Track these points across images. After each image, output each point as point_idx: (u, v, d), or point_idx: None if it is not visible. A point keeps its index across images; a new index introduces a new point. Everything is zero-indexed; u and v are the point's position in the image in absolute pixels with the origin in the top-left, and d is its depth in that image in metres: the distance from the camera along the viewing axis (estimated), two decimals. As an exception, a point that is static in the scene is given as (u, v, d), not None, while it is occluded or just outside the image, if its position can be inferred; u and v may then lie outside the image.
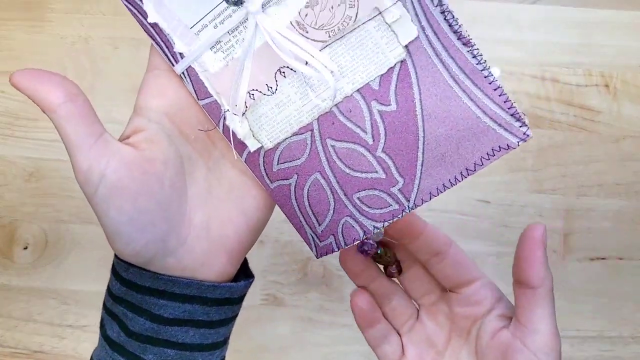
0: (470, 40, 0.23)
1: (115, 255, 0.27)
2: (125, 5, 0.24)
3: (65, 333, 0.51)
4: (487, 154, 0.24)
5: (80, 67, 0.52)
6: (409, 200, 0.25)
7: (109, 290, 0.28)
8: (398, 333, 0.31)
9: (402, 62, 0.23)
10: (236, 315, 0.29)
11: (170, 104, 0.25)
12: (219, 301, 0.27)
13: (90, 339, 0.51)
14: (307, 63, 0.23)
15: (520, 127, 0.23)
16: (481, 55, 0.23)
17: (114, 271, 0.27)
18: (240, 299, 0.28)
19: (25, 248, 0.52)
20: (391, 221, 0.25)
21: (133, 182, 0.24)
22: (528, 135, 0.23)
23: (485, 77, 0.23)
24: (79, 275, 0.51)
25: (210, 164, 0.27)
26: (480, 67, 0.23)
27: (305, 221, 0.27)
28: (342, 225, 0.26)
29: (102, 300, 0.56)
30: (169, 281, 0.26)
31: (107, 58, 0.52)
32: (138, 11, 0.24)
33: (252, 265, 0.54)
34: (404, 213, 0.25)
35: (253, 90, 0.25)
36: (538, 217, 0.50)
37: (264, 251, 0.50)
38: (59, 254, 0.51)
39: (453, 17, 0.23)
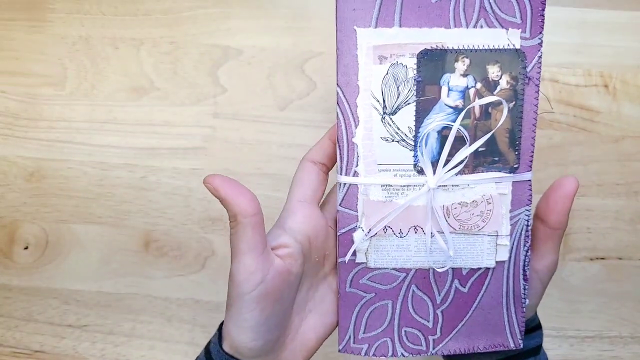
0: (527, 278, 0.34)
1: (219, 345, 0.31)
2: (338, 115, 0.32)
3: (65, 333, 0.51)
4: (491, 345, 0.34)
5: (80, 67, 0.52)
6: (434, 348, 0.34)
7: None
8: None
9: (488, 269, 0.33)
10: None
11: (312, 230, 0.32)
12: None
13: (91, 339, 0.51)
14: (435, 232, 0.32)
15: (520, 339, 0.34)
16: (527, 290, 0.34)
17: (209, 357, 0.31)
18: None
19: (26, 248, 0.52)
20: (412, 356, 0.34)
21: (278, 289, 0.30)
22: (520, 345, 0.34)
23: (523, 303, 0.34)
24: (80, 275, 0.51)
25: (314, 281, 0.34)
26: (524, 297, 0.34)
27: (354, 325, 0.34)
28: (380, 342, 0.34)
29: (102, 299, 0.56)
30: None
31: (108, 58, 0.52)
32: (346, 127, 0.32)
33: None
34: (423, 355, 0.34)
35: (389, 227, 0.33)
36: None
37: (264, 251, 0.51)
38: (59, 254, 0.52)
39: (528, 262, 0.33)
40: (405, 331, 0.34)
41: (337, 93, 0.31)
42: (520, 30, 0.31)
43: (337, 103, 0.31)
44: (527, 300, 0.34)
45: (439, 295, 0.34)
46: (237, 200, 0.29)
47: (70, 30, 0.52)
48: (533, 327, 0.37)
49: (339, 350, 0.34)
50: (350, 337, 0.34)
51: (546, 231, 0.33)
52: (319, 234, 0.33)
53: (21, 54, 0.52)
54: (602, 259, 0.50)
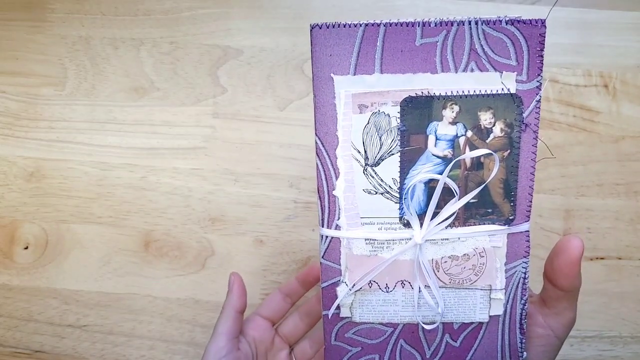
0: (525, 331, 0.31)
1: None
2: (318, 166, 0.30)
3: (65, 333, 0.51)
4: None
5: (80, 67, 0.52)
6: None
7: None
8: None
9: (482, 323, 0.31)
10: None
11: (259, 337, 0.41)
12: None
13: (90, 339, 0.51)
14: (423, 288, 0.30)
15: None
16: (524, 343, 0.32)
17: None
18: None
19: (26, 248, 0.52)
20: None
21: None
22: None
23: (520, 356, 0.32)
24: (80, 275, 0.51)
25: None
26: (521, 350, 0.32)
27: None
28: None
29: (102, 299, 0.56)
30: None
31: (108, 58, 0.52)
32: (326, 179, 0.30)
33: (252, 264, 0.54)
34: None
35: (374, 282, 0.31)
36: (538, 218, 0.50)
37: (264, 250, 0.51)
38: (59, 254, 0.52)
39: (525, 316, 0.31)
40: None
41: (316, 143, 0.29)
42: (515, 73, 0.28)
43: (317, 153, 0.30)
44: (524, 353, 0.32)
45: (429, 349, 0.32)
46: (235, 296, 0.39)
47: (70, 30, 0.52)
48: None
49: None
50: None
51: (558, 292, 0.31)
52: (264, 339, 0.41)
53: (21, 54, 0.52)
54: (602, 259, 0.50)
